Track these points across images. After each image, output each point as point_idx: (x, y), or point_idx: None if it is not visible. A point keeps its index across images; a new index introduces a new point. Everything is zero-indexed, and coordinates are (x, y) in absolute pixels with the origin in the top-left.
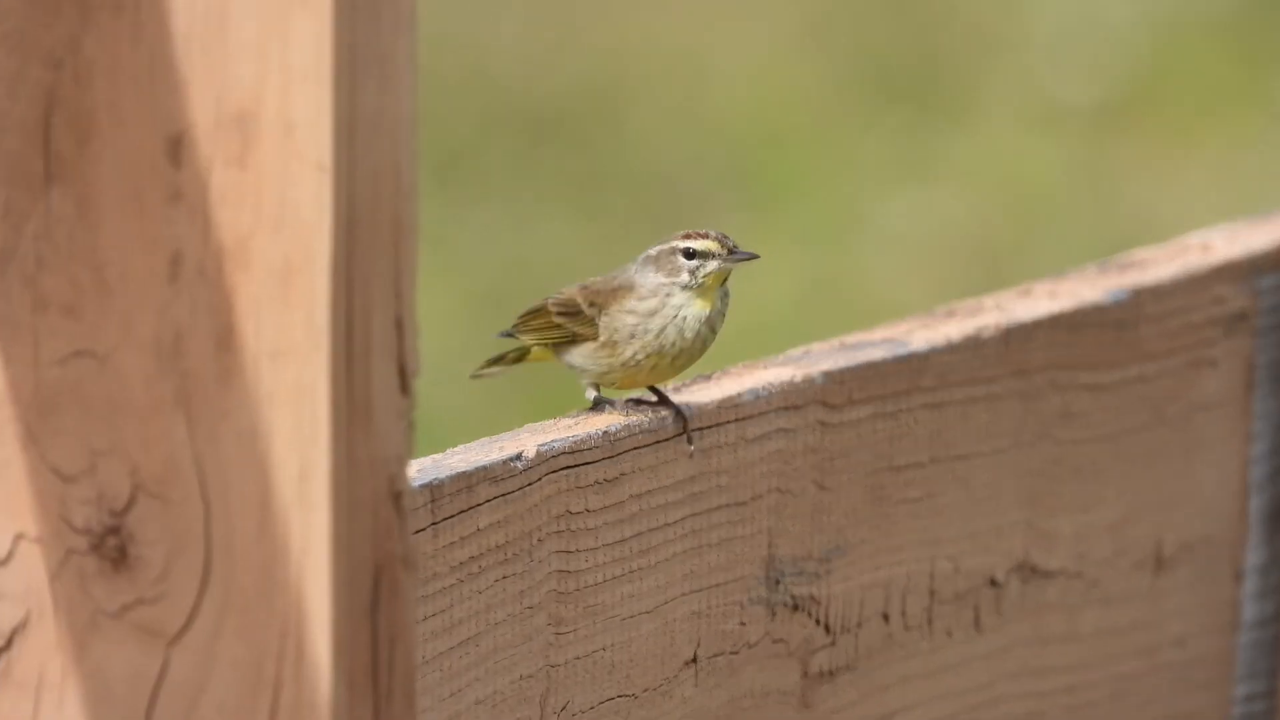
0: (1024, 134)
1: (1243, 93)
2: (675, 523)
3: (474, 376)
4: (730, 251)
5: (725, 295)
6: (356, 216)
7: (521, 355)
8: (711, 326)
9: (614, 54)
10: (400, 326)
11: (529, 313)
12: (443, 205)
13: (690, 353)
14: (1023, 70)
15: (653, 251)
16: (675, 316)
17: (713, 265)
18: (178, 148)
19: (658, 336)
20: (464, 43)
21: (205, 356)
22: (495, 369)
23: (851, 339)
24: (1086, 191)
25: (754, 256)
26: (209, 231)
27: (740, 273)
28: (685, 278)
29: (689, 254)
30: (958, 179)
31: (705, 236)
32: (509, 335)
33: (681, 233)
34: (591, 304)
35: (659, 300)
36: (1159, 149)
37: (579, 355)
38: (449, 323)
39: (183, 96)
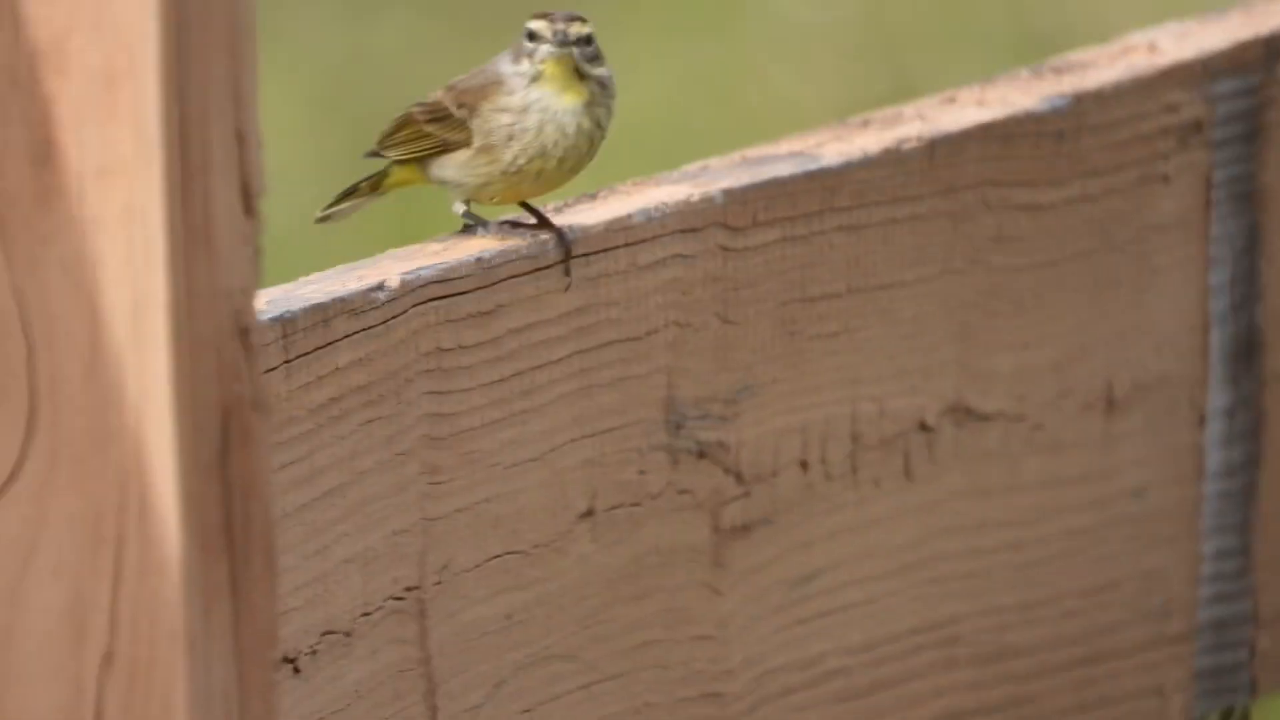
0: None
1: None
2: (560, 360)
3: (320, 219)
4: (561, 41)
5: (604, 86)
6: (187, 11)
7: (379, 182)
8: (597, 121)
9: None
10: (241, 139)
11: (394, 126)
12: None
13: (578, 151)
14: None
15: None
16: (547, 110)
17: (544, 50)
18: None
19: (538, 135)
20: None
21: (22, 175)
22: (348, 204)
23: (754, 152)
24: None
25: (573, 42)
26: (19, 31)
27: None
28: (525, 65)
29: (530, 36)
30: None
31: (544, 16)
32: (376, 155)
33: (537, 10)
34: (461, 105)
35: (525, 94)
36: None
37: (453, 167)
38: (283, 132)
39: None
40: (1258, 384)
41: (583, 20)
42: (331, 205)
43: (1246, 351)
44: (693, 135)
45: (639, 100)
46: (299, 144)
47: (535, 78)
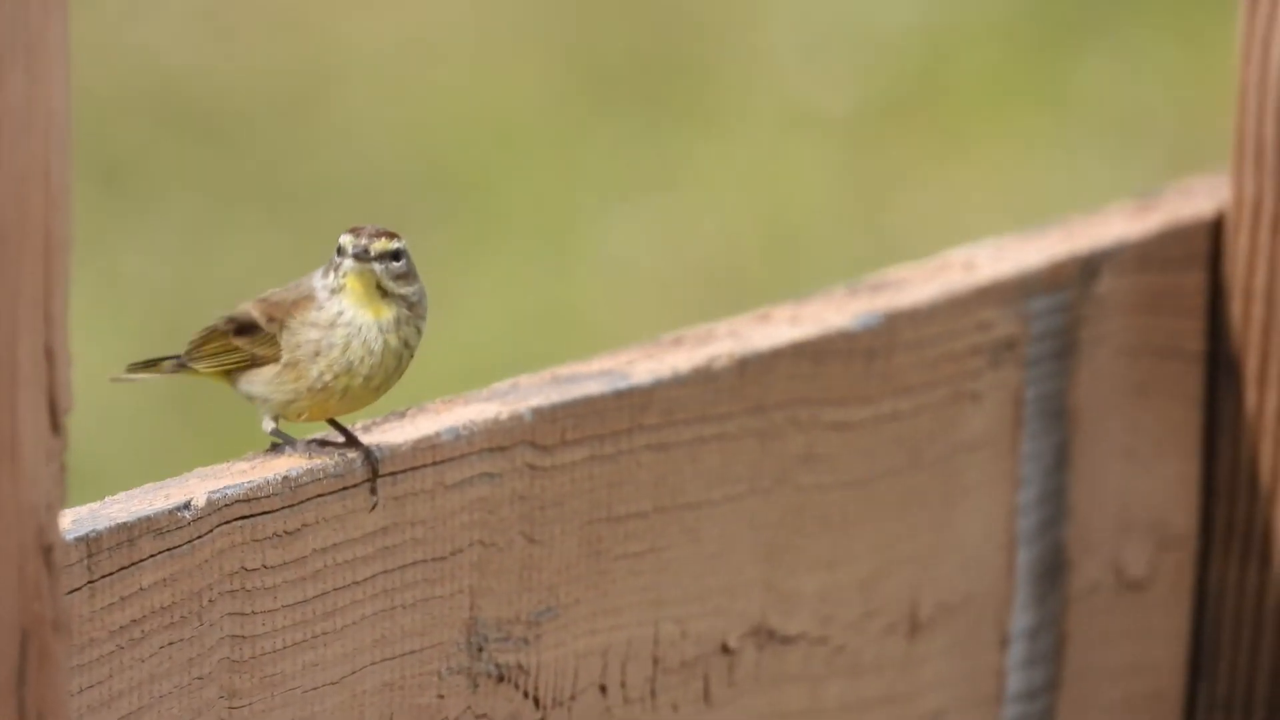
0: (778, 143)
1: (1028, 97)
2: (364, 581)
3: (115, 380)
4: (361, 255)
5: (412, 305)
6: (0, 228)
7: (184, 368)
8: (405, 341)
9: (300, 49)
10: (51, 356)
11: (203, 336)
12: (105, 218)
13: (385, 370)
14: (770, 71)
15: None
16: (352, 325)
17: (346, 264)
18: None
19: (344, 352)
20: (127, 38)
21: None
22: (143, 374)
23: (565, 370)
24: (854, 207)
25: (374, 257)
26: None
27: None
28: (331, 279)
29: (338, 250)
30: (700, 194)
31: (354, 231)
32: (183, 367)
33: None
34: (271, 319)
35: (330, 309)
36: (936, 159)
37: (260, 382)
38: (111, 357)
39: None
40: (1062, 604)
41: (390, 236)
42: (132, 370)
43: (1052, 571)
44: (523, 367)
45: (477, 329)
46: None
47: (337, 290)
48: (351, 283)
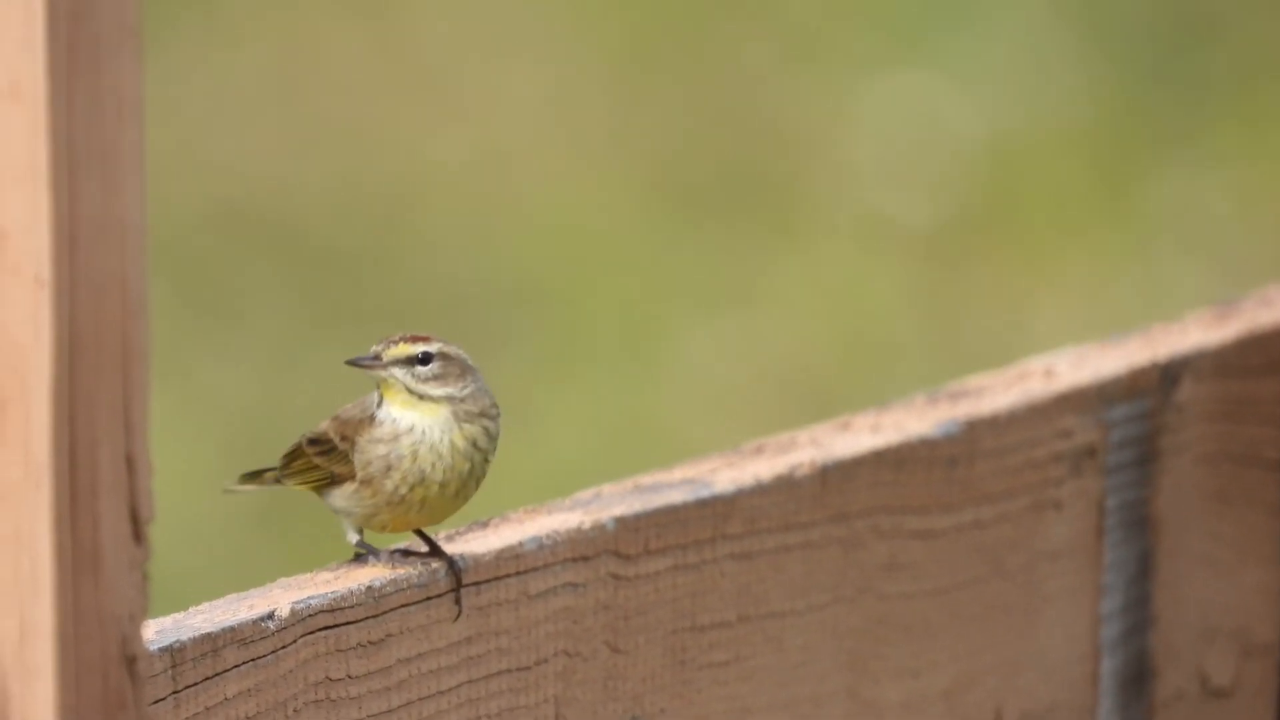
0: (857, 256)
1: (1103, 210)
2: (449, 690)
3: (228, 490)
4: (371, 363)
5: (459, 400)
6: (79, 337)
7: (281, 480)
8: (473, 441)
9: (383, 165)
10: (132, 464)
11: (290, 454)
12: (187, 335)
13: (459, 474)
14: (851, 186)
15: None
16: (414, 430)
17: (380, 374)
18: None
19: (415, 461)
20: (211, 152)
21: None
22: (251, 485)
23: (647, 479)
24: (931, 320)
25: (387, 364)
26: None
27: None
28: (374, 395)
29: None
30: (781, 306)
31: (379, 343)
32: (278, 483)
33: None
34: (344, 437)
35: (390, 421)
36: (1011, 272)
37: (341, 498)
38: (193, 475)
39: None
40: (1146, 713)
41: (414, 340)
42: (243, 481)
43: (1137, 679)
44: (611, 472)
45: (561, 439)
46: (204, 488)
47: (379, 402)
48: (383, 389)
